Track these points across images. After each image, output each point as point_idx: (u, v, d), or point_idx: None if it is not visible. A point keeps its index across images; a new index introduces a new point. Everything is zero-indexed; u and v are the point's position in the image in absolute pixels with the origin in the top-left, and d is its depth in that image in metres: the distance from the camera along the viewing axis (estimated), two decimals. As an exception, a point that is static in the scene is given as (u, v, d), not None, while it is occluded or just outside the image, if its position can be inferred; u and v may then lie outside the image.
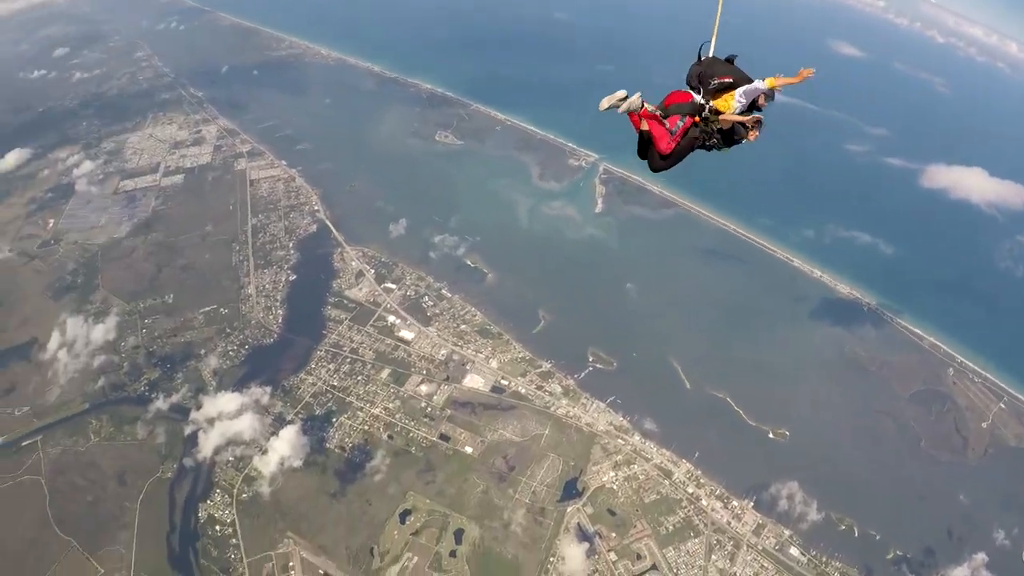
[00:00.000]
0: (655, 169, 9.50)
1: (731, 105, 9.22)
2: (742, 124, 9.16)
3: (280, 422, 56.86)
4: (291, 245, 77.62)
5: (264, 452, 54.36)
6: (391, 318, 67.81)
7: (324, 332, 65.86)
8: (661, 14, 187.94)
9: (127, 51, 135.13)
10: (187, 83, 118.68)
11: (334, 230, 80.00)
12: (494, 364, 63.87)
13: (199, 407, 57.89)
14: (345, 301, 69.79)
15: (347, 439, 56.33)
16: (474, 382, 62.27)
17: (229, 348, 63.91)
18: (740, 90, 9.12)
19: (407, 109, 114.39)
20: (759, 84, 8.99)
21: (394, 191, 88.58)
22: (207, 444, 55.04)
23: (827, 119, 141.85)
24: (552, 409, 60.66)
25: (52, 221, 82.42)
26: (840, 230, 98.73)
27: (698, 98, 9.42)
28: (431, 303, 70.42)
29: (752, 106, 9.35)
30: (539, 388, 62.27)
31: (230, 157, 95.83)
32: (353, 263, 74.93)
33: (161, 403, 58.65)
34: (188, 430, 56.42)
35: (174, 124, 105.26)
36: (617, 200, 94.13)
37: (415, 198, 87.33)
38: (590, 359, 66.44)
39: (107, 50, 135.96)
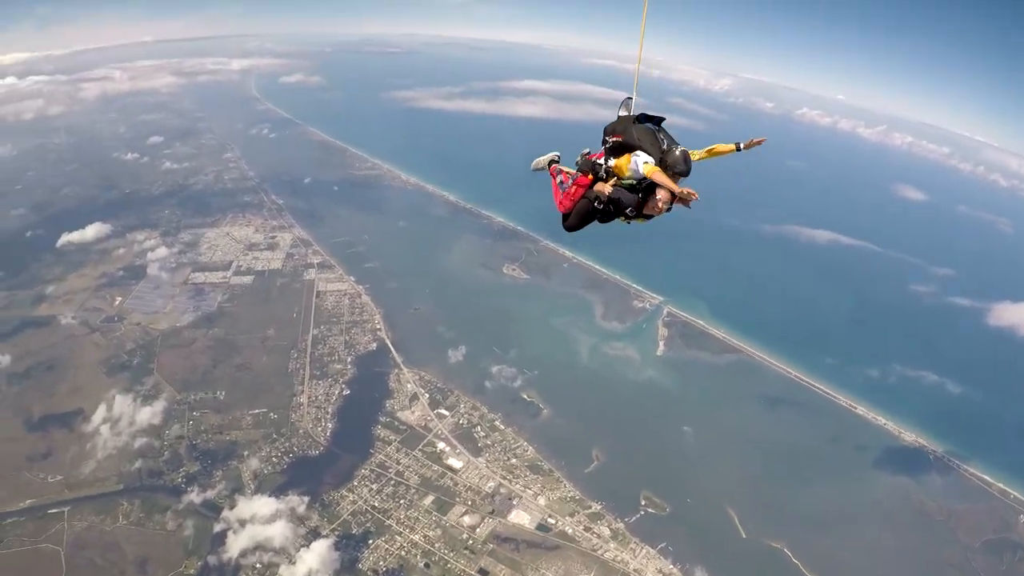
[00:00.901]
0: (565, 228, 10.56)
1: (626, 170, 9.40)
2: (636, 193, 9.37)
3: (314, 535, 59.07)
4: (349, 360, 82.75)
5: (292, 563, 56.34)
6: (441, 445, 70.99)
7: (371, 451, 69.15)
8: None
9: (217, 150, 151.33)
10: (269, 189, 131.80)
11: (393, 350, 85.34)
12: (542, 501, 65.62)
13: (233, 507, 60.68)
14: (396, 422, 73.52)
15: (381, 562, 57.98)
16: (520, 518, 63.82)
17: (273, 454, 67.57)
18: (634, 157, 9.23)
19: (478, 239, 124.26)
20: (638, 164, 9.04)
21: (457, 318, 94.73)
22: (235, 545, 57.32)
23: (891, 260, 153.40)
24: (599, 552, 61.43)
25: (119, 299, 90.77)
26: (906, 370, 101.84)
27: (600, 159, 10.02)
28: (483, 433, 73.62)
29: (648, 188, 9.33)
30: (587, 529, 63.36)
31: (301, 266, 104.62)
32: (408, 385, 79.39)
33: (195, 496, 61.71)
34: (218, 528, 58.90)
35: (251, 226, 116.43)
36: (679, 343, 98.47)
37: (477, 327, 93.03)
38: (642, 503, 67.45)
39: (199, 146, 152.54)
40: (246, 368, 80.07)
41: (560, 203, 10.24)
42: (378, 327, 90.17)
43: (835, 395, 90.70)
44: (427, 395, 78.12)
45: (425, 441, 71.46)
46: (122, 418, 69.52)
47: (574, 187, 10.10)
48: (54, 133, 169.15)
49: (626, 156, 9.33)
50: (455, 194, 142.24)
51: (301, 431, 70.74)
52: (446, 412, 75.80)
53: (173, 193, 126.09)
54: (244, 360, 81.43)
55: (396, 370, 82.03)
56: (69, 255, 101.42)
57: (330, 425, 72.21)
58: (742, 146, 9.17)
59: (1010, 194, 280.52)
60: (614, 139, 9.61)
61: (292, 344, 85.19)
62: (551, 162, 11.52)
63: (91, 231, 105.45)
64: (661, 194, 8.78)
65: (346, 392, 77.26)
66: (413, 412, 75.35)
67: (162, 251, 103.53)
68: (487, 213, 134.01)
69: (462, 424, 74.66)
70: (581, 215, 10.05)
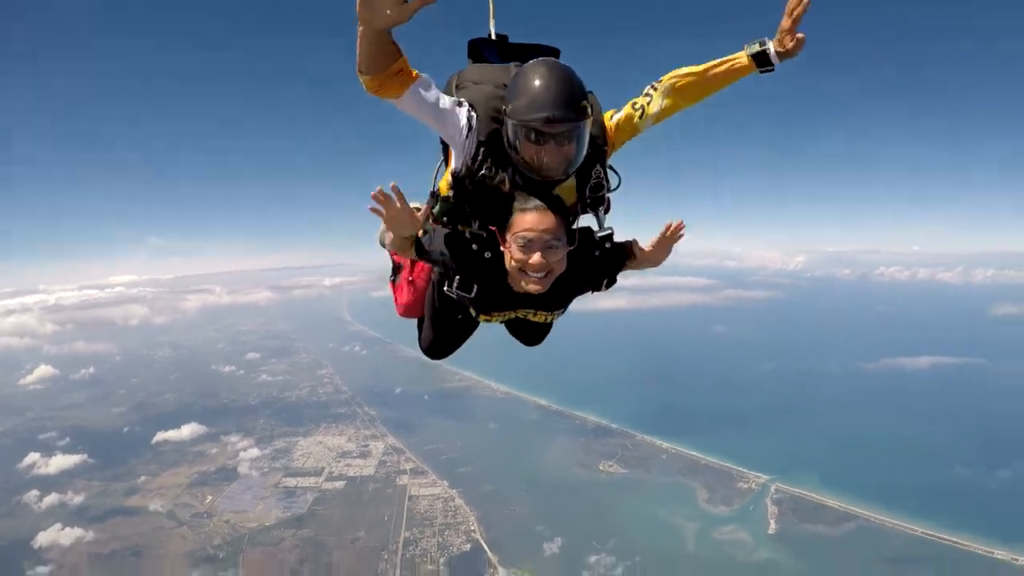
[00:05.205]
0: (425, 353, 6.16)
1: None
2: (473, 244, 5.25)
3: None
4: (441, 561, 78.48)
5: None
6: (542, 649, 64.07)
7: (468, 656, 63.01)
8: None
9: (312, 367, 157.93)
10: (362, 401, 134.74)
11: (488, 551, 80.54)
12: None
13: None
14: (493, 623, 67.45)
15: None
16: None
17: (360, 657, 62.14)
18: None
19: (571, 439, 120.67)
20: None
21: (553, 515, 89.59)
22: None
23: (1004, 371, 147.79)
24: None
25: (210, 498, 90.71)
26: None
27: None
28: (585, 632, 66.31)
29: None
30: None
31: (393, 472, 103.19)
32: (505, 584, 73.78)
33: None
34: None
35: (344, 435, 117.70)
36: (792, 519, 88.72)
37: (574, 522, 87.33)
38: None
39: (294, 363, 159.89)
40: (334, 568, 76.64)
41: (398, 298, 5.49)
42: (472, 529, 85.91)
43: (967, 543, 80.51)
44: (525, 595, 72.29)
45: (525, 645, 64.95)
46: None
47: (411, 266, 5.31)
48: (158, 345, 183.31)
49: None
50: (546, 399, 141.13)
51: (392, 634, 65.50)
52: (545, 612, 69.40)
53: (268, 404, 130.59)
54: (332, 560, 78.16)
55: (492, 570, 76.81)
56: (165, 454, 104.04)
57: (422, 628, 66.89)
58: (773, 48, 3.97)
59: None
60: None
61: (383, 546, 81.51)
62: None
63: (186, 431, 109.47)
64: (520, 224, 3.91)
65: (439, 593, 72.26)
66: (510, 613, 69.33)
67: (255, 454, 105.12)
68: (579, 413, 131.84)
69: (562, 622, 68.01)
70: (437, 311, 5.07)
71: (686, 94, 4.26)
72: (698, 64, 4.22)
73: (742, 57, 4.06)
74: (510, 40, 5.16)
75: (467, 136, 4.04)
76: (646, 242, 4.52)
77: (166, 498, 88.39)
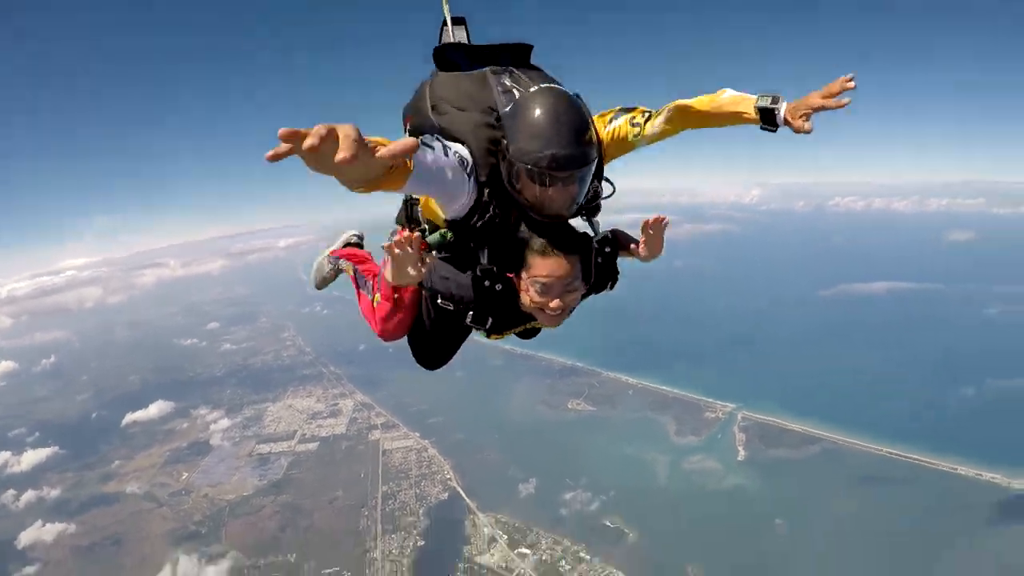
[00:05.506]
0: (422, 364, 5.67)
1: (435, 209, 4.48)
2: (487, 279, 4.48)
3: None
4: (421, 512, 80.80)
5: None
6: (527, 585, 67.15)
7: (452, 599, 65.77)
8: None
9: (274, 331, 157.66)
10: (327, 361, 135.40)
11: (465, 497, 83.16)
12: None
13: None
14: (476, 567, 70.22)
15: None
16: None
17: (350, 612, 64.58)
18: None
19: (538, 381, 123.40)
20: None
21: (526, 457, 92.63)
22: None
23: (957, 293, 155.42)
24: None
25: (186, 474, 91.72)
26: (1000, 381, 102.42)
27: None
28: (568, 567, 69.34)
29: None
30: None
31: (364, 428, 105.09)
32: (485, 529, 76.48)
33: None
34: None
35: (312, 397, 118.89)
36: (759, 445, 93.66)
37: (547, 462, 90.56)
38: None
39: (255, 329, 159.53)
40: (316, 530, 78.55)
41: (381, 320, 4.59)
42: (448, 477, 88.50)
43: (932, 461, 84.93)
44: (505, 536, 74.93)
45: (510, 583, 67.89)
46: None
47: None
48: (116, 326, 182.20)
49: None
50: (509, 343, 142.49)
51: (378, 587, 67.98)
52: (527, 551, 72.21)
53: (234, 372, 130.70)
54: (313, 522, 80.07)
55: (471, 516, 79.43)
56: (135, 435, 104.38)
57: (407, 577, 69.39)
58: (784, 110, 3.71)
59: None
60: (408, 124, 4.51)
61: (361, 503, 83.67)
62: (346, 244, 5.88)
63: (154, 408, 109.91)
64: (539, 268, 3.79)
65: (421, 543, 74.71)
66: (493, 555, 72.01)
67: (226, 425, 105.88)
68: (544, 355, 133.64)
69: (545, 560, 70.81)
70: (435, 325, 4.61)
71: (687, 123, 4.18)
72: (703, 95, 4.11)
73: (750, 107, 3.81)
74: (473, 35, 5.29)
75: (470, 184, 3.70)
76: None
77: (142, 480, 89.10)
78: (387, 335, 4.67)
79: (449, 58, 4.50)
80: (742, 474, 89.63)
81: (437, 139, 3.49)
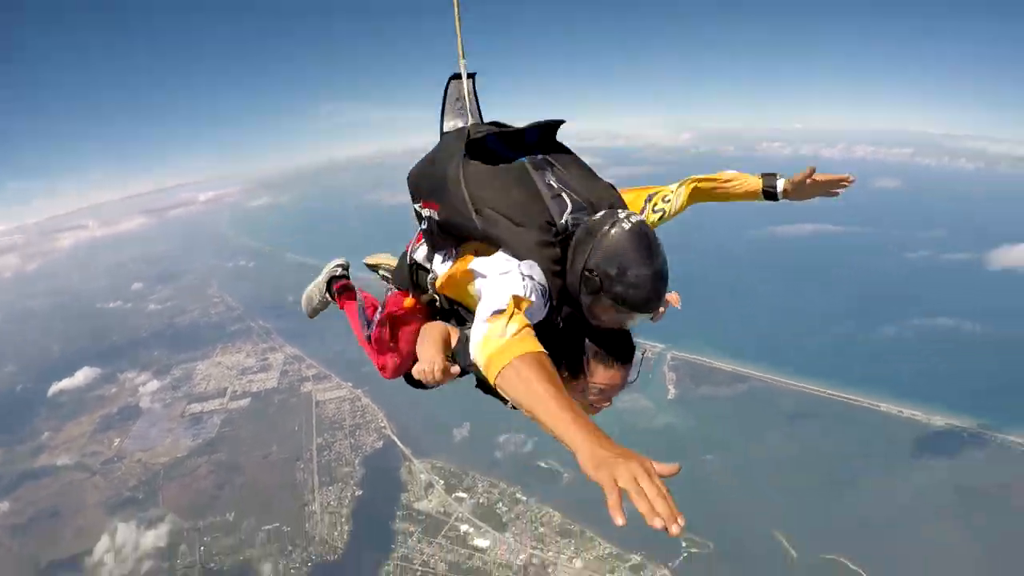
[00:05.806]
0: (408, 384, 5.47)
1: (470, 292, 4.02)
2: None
3: (343, 639, 58.22)
4: (357, 462, 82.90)
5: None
6: (464, 527, 70.16)
7: (393, 546, 68.39)
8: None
9: (199, 288, 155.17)
10: (255, 315, 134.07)
11: (400, 445, 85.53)
12: (578, 564, 63.95)
13: (255, 623, 59.99)
14: (415, 513, 72.93)
15: (417, 655, 56.96)
16: (560, 583, 62.71)
17: (291, 565, 66.95)
18: (479, 286, 3.80)
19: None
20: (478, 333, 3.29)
21: (459, 402, 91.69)
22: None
23: (880, 237, 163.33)
24: (650, 604, 60.26)
25: (118, 440, 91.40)
26: (922, 320, 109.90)
27: None
28: (505, 508, 72.72)
29: None
30: (632, 583, 62.05)
31: (296, 381, 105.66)
32: (422, 475, 79.23)
33: (214, 619, 61.06)
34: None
35: (242, 352, 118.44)
36: (689, 384, 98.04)
37: (480, 407, 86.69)
38: (683, 544, 65.52)
39: (180, 286, 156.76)
40: (253, 487, 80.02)
41: (383, 360, 4.92)
42: (383, 425, 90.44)
43: (855, 398, 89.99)
44: (442, 481, 77.84)
45: (447, 527, 70.72)
46: (126, 545, 69.47)
47: (386, 323, 4.75)
48: (36, 294, 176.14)
49: (466, 255, 3.95)
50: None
51: (317, 538, 70.17)
52: (464, 495, 75.35)
53: (160, 333, 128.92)
54: (250, 479, 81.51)
55: (407, 463, 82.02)
56: (64, 405, 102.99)
57: (347, 528, 71.62)
58: (781, 186, 4.64)
59: (977, 173, 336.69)
60: (428, 209, 4.13)
61: (296, 456, 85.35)
62: (333, 280, 5.82)
63: (81, 376, 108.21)
64: (601, 377, 4.12)
65: (358, 493, 76.98)
66: (430, 500, 74.90)
67: (156, 388, 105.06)
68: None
69: (482, 503, 74.02)
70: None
71: (701, 197, 4.71)
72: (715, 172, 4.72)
73: (757, 184, 4.62)
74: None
75: (546, 310, 3.62)
76: None
77: (73, 451, 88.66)
78: (395, 375, 4.88)
79: (486, 141, 3.98)
80: (672, 412, 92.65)
81: (529, 282, 3.43)
